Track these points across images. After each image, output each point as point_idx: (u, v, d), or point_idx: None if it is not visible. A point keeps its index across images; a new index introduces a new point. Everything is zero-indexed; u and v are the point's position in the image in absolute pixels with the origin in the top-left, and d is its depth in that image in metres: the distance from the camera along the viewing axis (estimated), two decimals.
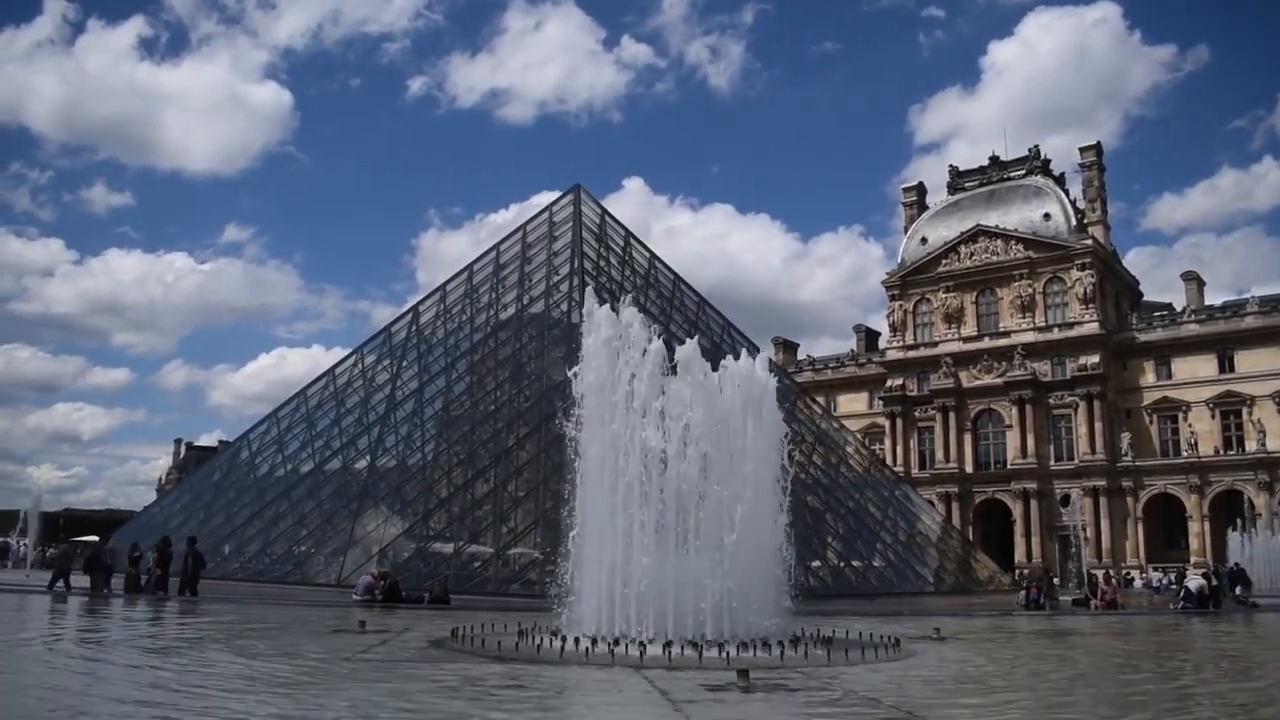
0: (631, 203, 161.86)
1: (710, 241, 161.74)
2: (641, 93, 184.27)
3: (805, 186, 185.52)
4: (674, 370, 13.82)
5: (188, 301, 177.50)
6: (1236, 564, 38.17)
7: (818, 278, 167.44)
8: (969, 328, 70.76)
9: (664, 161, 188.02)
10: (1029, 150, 77.24)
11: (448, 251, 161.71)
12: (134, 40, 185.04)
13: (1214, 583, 27.66)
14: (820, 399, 65.04)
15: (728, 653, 11.07)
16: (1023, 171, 75.53)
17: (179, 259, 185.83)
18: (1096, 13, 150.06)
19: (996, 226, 71.14)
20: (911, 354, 72.65)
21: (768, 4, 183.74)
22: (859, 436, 60.07)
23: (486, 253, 41.89)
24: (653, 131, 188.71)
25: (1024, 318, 68.47)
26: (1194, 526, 60.64)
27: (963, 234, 72.19)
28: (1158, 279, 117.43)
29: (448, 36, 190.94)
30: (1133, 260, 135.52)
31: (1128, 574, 55.59)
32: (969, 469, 68.25)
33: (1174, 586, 36.13)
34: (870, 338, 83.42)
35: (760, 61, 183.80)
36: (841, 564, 35.90)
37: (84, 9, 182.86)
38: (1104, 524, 62.60)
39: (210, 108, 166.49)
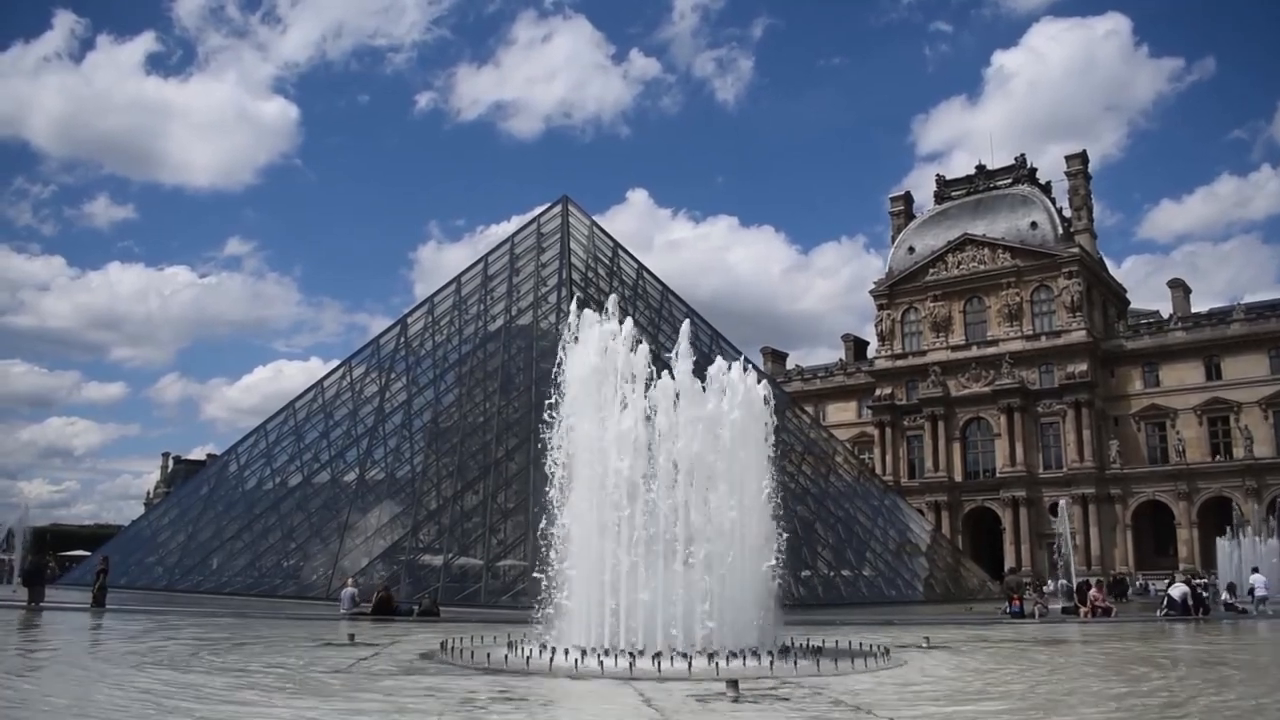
0: (634, 214, 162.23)
1: (711, 253, 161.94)
2: (648, 106, 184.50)
3: (809, 198, 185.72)
4: (660, 377, 13.82)
5: (185, 315, 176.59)
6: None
7: (817, 288, 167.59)
8: (957, 336, 71.00)
9: (668, 174, 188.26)
10: (1015, 159, 77.56)
11: (446, 264, 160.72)
12: (142, 56, 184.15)
13: (1200, 591, 27.85)
14: (809, 408, 65.21)
15: (717, 663, 11.08)
16: (1009, 180, 75.85)
17: (180, 273, 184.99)
18: (1107, 24, 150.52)
19: (983, 235, 71.46)
20: (900, 363, 72.80)
21: (778, 19, 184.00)
22: (848, 446, 60.28)
23: (474, 264, 41.91)
24: (658, 144, 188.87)
25: (1011, 326, 68.74)
26: (1183, 533, 60.93)
27: (950, 243, 72.46)
28: (1155, 286, 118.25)
29: (454, 47, 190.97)
30: (1130, 268, 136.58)
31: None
32: (958, 477, 68.38)
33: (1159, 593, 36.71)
34: (859, 347, 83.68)
35: (767, 75, 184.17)
36: (831, 573, 35.95)
37: (94, 25, 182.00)
38: (1093, 531, 62.81)
39: (216, 123, 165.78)
